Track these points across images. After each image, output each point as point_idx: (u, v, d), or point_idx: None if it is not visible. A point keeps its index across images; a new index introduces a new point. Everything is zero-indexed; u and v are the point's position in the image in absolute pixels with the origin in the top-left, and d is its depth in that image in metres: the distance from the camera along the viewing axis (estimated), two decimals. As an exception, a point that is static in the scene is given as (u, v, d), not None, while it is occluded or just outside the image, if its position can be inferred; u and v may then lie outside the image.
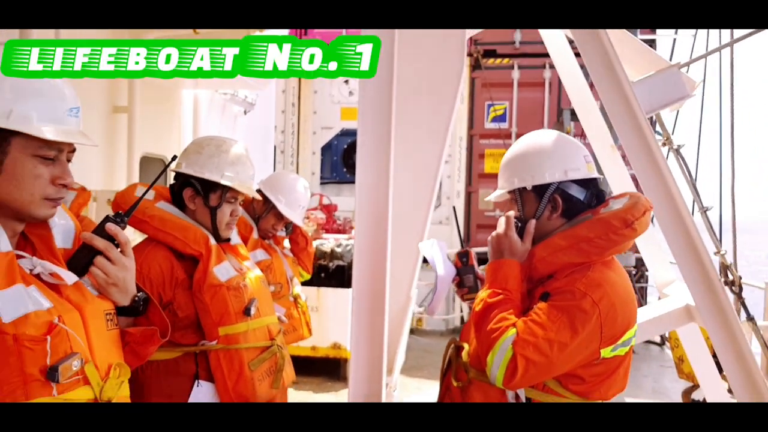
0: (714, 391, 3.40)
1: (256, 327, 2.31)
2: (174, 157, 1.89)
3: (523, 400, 1.85)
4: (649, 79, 3.11)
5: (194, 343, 2.22)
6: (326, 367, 6.51)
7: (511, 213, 1.99)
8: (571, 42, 3.42)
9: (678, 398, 6.36)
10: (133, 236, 1.97)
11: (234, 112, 7.04)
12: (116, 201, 2.26)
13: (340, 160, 10.68)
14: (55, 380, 1.22)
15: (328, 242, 6.84)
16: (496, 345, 1.75)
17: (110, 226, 1.45)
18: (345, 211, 9.77)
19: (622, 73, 2.47)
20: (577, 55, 3.54)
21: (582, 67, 3.58)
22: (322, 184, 10.79)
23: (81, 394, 1.29)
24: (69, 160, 1.40)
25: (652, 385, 6.86)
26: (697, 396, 3.83)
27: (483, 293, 1.89)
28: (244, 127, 7.23)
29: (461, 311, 9.42)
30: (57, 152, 1.35)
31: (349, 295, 6.56)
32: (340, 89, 10.47)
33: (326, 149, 10.76)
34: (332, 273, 6.77)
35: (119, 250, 1.46)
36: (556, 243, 1.87)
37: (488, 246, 1.99)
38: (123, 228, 1.48)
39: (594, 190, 1.98)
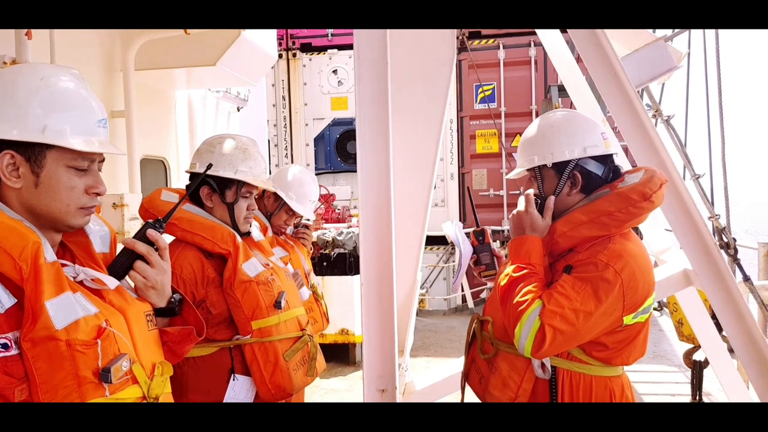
0: (714, 350, 3.51)
1: (287, 319, 2.38)
2: (209, 166, 1.96)
3: (549, 369, 1.93)
4: (637, 54, 3.18)
5: (228, 338, 2.28)
6: (335, 353, 6.64)
7: (531, 191, 2.05)
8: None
9: (677, 361, 6.51)
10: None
11: (227, 109, 7.07)
12: (143, 206, 2.31)
13: (333, 149, 10.70)
14: (108, 381, 1.27)
15: (330, 232, 6.92)
16: (524, 317, 1.82)
17: (151, 232, 1.53)
18: (341, 200, 9.84)
19: (611, 49, 2.54)
20: (563, 30, 3.61)
21: (568, 42, 3.65)
22: (317, 174, 10.82)
23: (131, 393, 1.33)
24: (99, 170, 1.46)
25: (652, 349, 7.00)
26: (698, 357, 3.94)
27: (508, 269, 1.96)
28: (238, 123, 7.27)
29: (462, 291, 9.54)
30: (89, 162, 1.40)
31: (354, 282, 6.72)
32: (329, 80, 10.49)
33: (319, 140, 10.78)
34: (334, 261, 6.87)
35: (158, 254, 1.54)
36: (577, 218, 1.93)
37: (510, 223, 2.06)
38: (161, 233, 1.56)
39: (611, 165, 2.03)
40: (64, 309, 1.26)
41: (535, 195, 2.04)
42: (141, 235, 1.53)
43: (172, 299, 1.60)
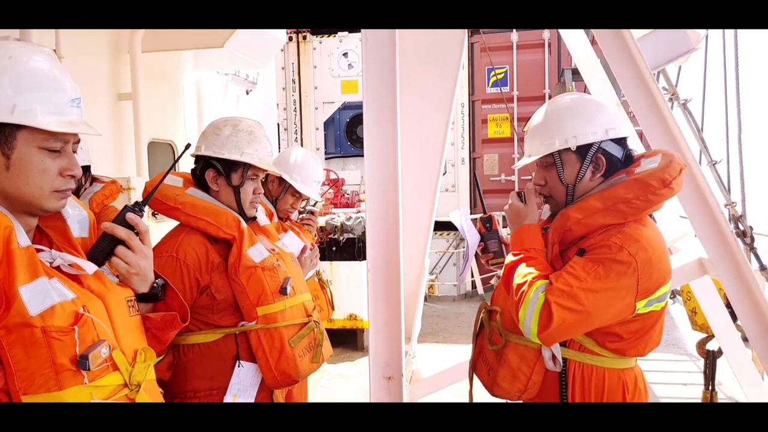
0: (728, 340, 3.45)
1: (293, 305, 2.33)
2: (188, 146, 1.90)
3: (560, 361, 1.87)
4: (654, 35, 3.08)
5: (233, 324, 2.25)
6: (343, 338, 6.66)
7: (514, 191, 2.08)
8: None
9: (688, 349, 6.45)
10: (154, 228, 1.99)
11: (236, 93, 7.02)
12: (147, 190, 2.27)
13: (343, 134, 10.64)
14: (86, 368, 1.24)
15: (338, 216, 6.88)
16: (527, 297, 1.77)
17: (131, 216, 1.47)
18: (351, 184, 9.80)
19: (627, 30, 2.46)
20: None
21: (583, 26, 3.56)
22: (327, 159, 10.79)
23: (111, 380, 1.30)
24: (74, 151, 1.41)
25: (665, 338, 6.91)
26: (711, 346, 3.87)
27: (507, 259, 1.93)
28: (247, 106, 7.22)
29: (471, 276, 9.50)
30: (63, 144, 1.34)
31: (362, 267, 6.73)
32: (339, 63, 10.40)
33: (329, 124, 10.71)
34: (343, 246, 6.84)
35: (139, 238, 1.49)
36: (592, 205, 1.85)
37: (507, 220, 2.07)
38: (141, 216, 1.50)
39: (626, 149, 1.97)
40: (39, 295, 1.22)
41: (538, 185, 2.02)
42: (120, 220, 1.47)
43: (155, 284, 1.56)
